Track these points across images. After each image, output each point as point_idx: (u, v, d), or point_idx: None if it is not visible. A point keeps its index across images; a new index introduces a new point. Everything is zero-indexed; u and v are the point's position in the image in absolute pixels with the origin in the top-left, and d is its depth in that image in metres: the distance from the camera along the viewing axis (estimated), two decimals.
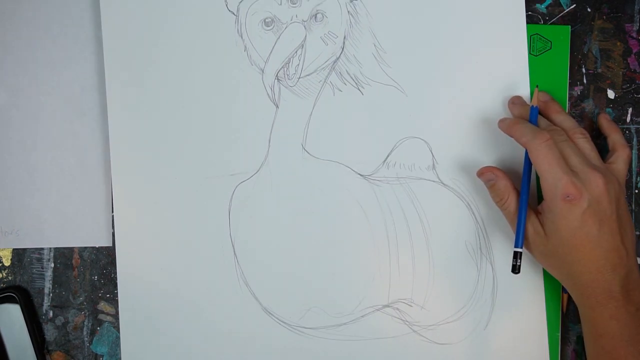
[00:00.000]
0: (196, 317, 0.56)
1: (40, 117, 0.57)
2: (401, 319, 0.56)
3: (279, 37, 0.56)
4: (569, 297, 0.56)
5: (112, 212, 0.57)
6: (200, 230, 0.56)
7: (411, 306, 0.56)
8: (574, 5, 0.58)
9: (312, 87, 0.56)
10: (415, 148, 0.56)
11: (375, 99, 0.56)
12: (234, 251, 0.56)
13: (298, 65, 0.56)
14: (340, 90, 0.56)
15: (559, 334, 0.56)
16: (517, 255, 0.51)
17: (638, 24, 0.58)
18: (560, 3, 0.58)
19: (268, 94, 0.56)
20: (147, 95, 0.56)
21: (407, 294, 0.56)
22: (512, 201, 0.52)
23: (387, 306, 0.56)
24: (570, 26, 0.57)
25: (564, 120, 0.53)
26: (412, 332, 0.56)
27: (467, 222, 0.56)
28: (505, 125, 0.53)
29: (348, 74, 0.56)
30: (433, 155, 0.56)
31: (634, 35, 0.58)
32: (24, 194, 0.57)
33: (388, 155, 0.56)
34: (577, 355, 0.57)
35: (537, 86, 0.55)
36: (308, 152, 0.56)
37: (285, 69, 0.56)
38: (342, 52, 0.56)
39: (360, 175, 0.56)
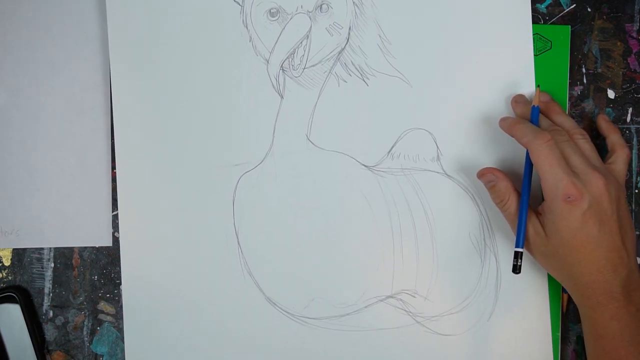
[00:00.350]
0: (199, 307, 0.56)
1: (40, 117, 0.57)
2: (404, 310, 0.56)
3: (284, 28, 0.56)
4: (569, 297, 0.56)
5: (112, 211, 0.57)
6: (204, 220, 0.56)
7: (415, 297, 0.56)
8: (574, 5, 0.58)
9: (317, 78, 0.56)
10: (419, 139, 0.56)
11: (380, 90, 0.56)
12: (238, 241, 0.56)
13: (303, 55, 0.56)
14: (345, 81, 0.56)
15: (559, 334, 0.56)
16: (517, 255, 0.51)
17: (638, 24, 0.58)
18: (560, 3, 0.58)
19: (273, 85, 0.56)
20: (151, 85, 0.56)
21: (410, 285, 0.56)
22: (512, 202, 0.52)
23: (391, 297, 0.56)
24: (570, 26, 0.57)
25: (564, 121, 0.53)
26: (415, 323, 0.56)
27: (471, 214, 0.56)
28: (506, 125, 0.53)
29: (353, 64, 0.56)
30: (437, 147, 0.56)
31: (634, 35, 0.58)
32: (24, 194, 0.57)
33: (392, 147, 0.56)
34: (577, 355, 0.57)
35: (538, 86, 0.55)
36: (312, 143, 0.56)
37: (290, 59, 0.56)
38: (347, 43, 0.56)
39: (365, 166, 0.56)
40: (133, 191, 0.56)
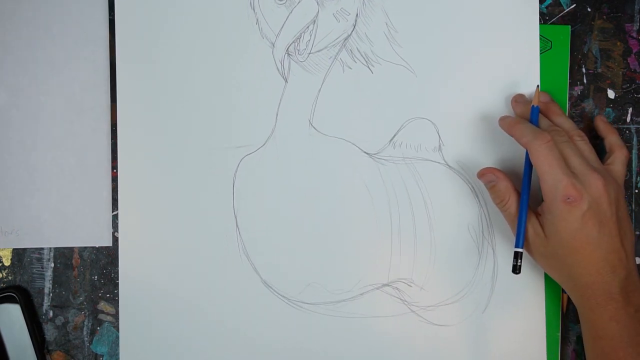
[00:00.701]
0: (195, 287, 0.56)
1: (40, 117, 0.57)
2: (400, 299, 0.56)
3: (291, 12, 0.56)
4: (569, 297, 0.56)
5: (112, 211, 0.57)
6: (204, 201, 0.56)
7: (411, 286, 0.56)
8: (574, 5, 0.58)
9: (322, 63, 0.56)
10: (422, 129, 0.56)
11: (385, 78, 0.56)
12: (237, 223, 0.56)
13: (309, 40, 0.56)
14: (350, 68, 0.56)
15: (559, 334, 0.56)
16: (517, 256, 0.51)
17: (638, 24, 0.58)
18: (560, 3, 0.58)
19: (278, 68, 0.56)
20: (156, 65, 0.56)
21: (407, 273, 0.56)
22: (512, 203, 0.52)
23: (387, 285, 0.56)
24: (570, 26, 0.57)
25: (563, 122, 0.53)
26: (410, 312, 0.56)
27: (470, 206, 0.56)
28: (506, 125, 0.53)
29: (359, 51, 0.56)
30: (440, 137, 0.56)
31: (634, 35, 0.58)
32: (24, 194, 0.57)
33: (395, 135, 0.56)
34: (577, 355, 0.57)
35: (537, 86, 0.55)
36: (315, 128, 0.56)
37: (296, 44, 0.56)
38: (353, 29, 0.56)
39: (366, 153, 0.56)
40: (134, 182, 0.56)
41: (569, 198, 0.48)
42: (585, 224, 0.48)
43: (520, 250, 0.51)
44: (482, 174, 0.54)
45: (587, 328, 0.49)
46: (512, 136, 0.52)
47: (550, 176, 0.48)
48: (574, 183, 0.48)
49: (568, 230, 0.48)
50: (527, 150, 0.51)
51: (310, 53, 0.56)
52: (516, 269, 0.51)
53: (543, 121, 0.53)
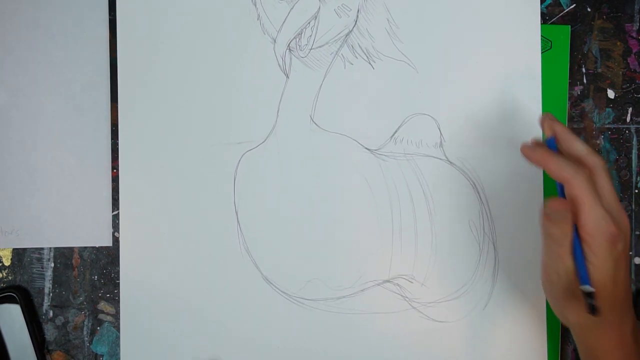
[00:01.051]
0: (196, 285, 0.56)
1: (40, 117, 0.57)
2: (401, 295, 0.56)
3: (292, 7, 0.56)
4: None
5: (112, 211, 0.57)
6: (205, 198, 0.56)
7: (412, 282, 0.56)
8: (574, 5, 0.58)
9: (324, 59, 0.57)
10: (423, 125, 0.56)
11: (386, 74, 0.56)
12: (237, 219, 0.56)
13: (310, 36, 0.56)
14: (351, 64, 0.56)
15: (559, 333, 0.56)
16: (592, 295, 0.44)
17: (638, 24, 0.58)
18: (560, 3, 0.58)
19: (279, 64, 0.56)
20: (157, 63, 0.56)
21: (408, 270, 0.56)
22: (569, 233, 0.45)
23: (388, 281, 0.56)
24: (570, 26, 0.57)
25: (581, 149, 0.47)
26: (411, 309, 0.56)
27: (471, 202, 0.56)
28: (537, 157, 0.47)
29: (360, 47, 0.56)
30: (441, 133, 0.56)
31: (634, 35, 0.58)
32: (24, 194, 0.57)
33: (396, 131, 0.56)
34: (577, 355, 0.57)
35: (546, 114, 0.48)
36: (316, 124, 0.56)
37: (298, 39, 0.56)
38: (355, 25, 0.56)
39: (367, 149, 0.56)
40: (134, 182, 0.56)
41: (612, 236, 0.44)
42: (619, 264, 0.45)
43: (592, 289, 0.44)
44: (554, 206, 0.45)
45: (587, 356, 0.47)
46: (545, 169, 0.46)
47: (593, 213, 0.44)
48: (613, 220, 0.45)
49: (605, 270, 0.44)
50: (560, 184, 0.46)
51: (311, 49, 0.56)
52: (593, 310, 0.44)
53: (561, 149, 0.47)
